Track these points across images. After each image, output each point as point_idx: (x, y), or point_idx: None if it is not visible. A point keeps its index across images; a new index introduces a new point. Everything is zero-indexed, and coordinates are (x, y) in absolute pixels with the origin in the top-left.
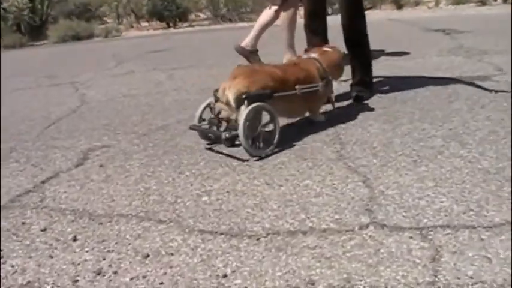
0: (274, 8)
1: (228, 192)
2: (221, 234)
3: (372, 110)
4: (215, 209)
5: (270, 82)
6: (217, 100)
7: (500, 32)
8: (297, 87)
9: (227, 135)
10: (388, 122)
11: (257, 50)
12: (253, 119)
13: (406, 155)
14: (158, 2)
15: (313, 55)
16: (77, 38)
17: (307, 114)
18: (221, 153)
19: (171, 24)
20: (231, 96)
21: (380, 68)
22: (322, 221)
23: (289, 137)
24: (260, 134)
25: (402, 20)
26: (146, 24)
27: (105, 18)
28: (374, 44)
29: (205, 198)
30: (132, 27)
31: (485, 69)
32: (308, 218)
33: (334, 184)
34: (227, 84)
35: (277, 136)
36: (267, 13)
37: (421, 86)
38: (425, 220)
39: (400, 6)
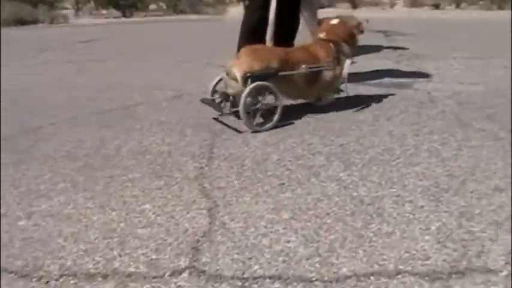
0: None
1: (51, 215)
2: (11, 272)
3: None
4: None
5: (274, 62)
6: (227, 75)
7: (442, 37)
8: (303, 66)
9: (227, 111)
10: (275, 134)
11: None
12: (255, 96)
13: (275, 176)
14: None
15: (323, 36)
16: (21, 22)
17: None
18: (227, 125)
19: (127, 13)
20: (236, 73)
21: None
22: (134, 261)
23: (154, 149)
24: (260, 110)
25: None
26: (105, 12)
27: (65, 4)
28: None
29: (22, 223)
30: (90, 14)
31: (411, 75)
32: (120, 255)
33: (174, 211)
34: (234, 62)
35: (278, 114)
36: None
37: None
38: (256, 267)
39: (355, 6)
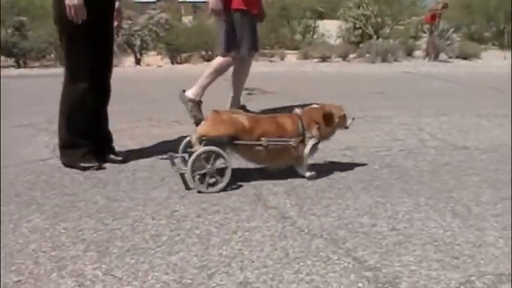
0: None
1: None
2: None
3: None
4: None
5: (232, 130)
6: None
7: (303, 96)
8: (262, 139)
9: (177, 169)
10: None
11: (201, 102)
12: (204, 159)
13: None
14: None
15: (298, 111)
16: None
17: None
18: (183, 180)
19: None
20: (194, 136)
21: None
22: None
23: None
24: (208, 174)
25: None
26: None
27: None
28: None
29: None
30: None
31: None
32: None
33: None
34: (199, 125)
35: (226, 179)
36: (216, 61)
37: None
38: None
39: None
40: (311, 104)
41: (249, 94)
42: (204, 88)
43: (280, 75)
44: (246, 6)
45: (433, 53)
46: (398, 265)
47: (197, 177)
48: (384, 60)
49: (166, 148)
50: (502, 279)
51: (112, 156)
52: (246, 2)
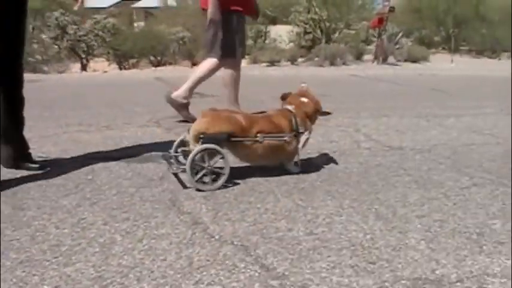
0: (211, 59)
1: None
2: None
3: None
4: None
5: (229, 127)
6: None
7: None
8: (258, 135)
9: (176, 168)
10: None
11: (188, 103)
12: (202, 157)
13: None
14: None
15: (289, 107)
16: None
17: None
18: (178, 179)
19: None
20: (191, 134)
21: None
22: None
23: None
24: (206, 171)
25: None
26: None
27: None
28: None
29: None
30: None
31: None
32: None
33: None
34: (194, 123)
35: (224, 177)
36: (207, 64)
37: None
38: None
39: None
40: (287, 94)
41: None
42: (191, 90)
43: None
44: (243, 7)
45: (381, 57)
46: (308, 272)
47: (197, 175)
48: (332, 64)
49: (88, 154)
50: (418, 283)
51: (28, 164)
52: (243, 2)
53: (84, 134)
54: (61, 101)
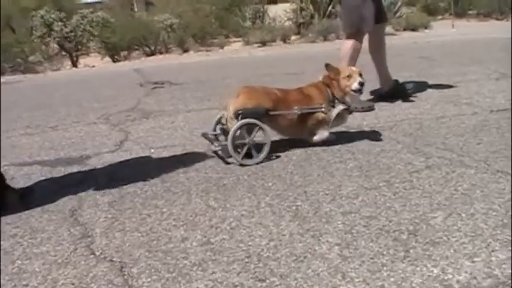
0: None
1: None
2: None
3: None
4: None
5: (266, 101)
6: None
7: (207, 83)
8: (295, 108)
9: (217, 145)
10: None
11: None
12: (244, 132)
13: None
14: None
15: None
16: None
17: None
18: (218, 155)
19: None
20: (230, 110)
21: None
22: None
23: None
24: (248, 146)
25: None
26: None
27: None
28: None
29: None
30: None
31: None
32: None
33: None
34: (231, 99)
35: (265, 150)
36: (346, 46)
37: None
38: None
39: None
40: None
41: (153, 88)
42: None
43: (203, 65)
44: None
45: None
46: None
47: (239, 151)
48: (325, 39)
49: (20, 159)
50: None
51: None
52: None
53: (26, 137)
54: (24, 102)
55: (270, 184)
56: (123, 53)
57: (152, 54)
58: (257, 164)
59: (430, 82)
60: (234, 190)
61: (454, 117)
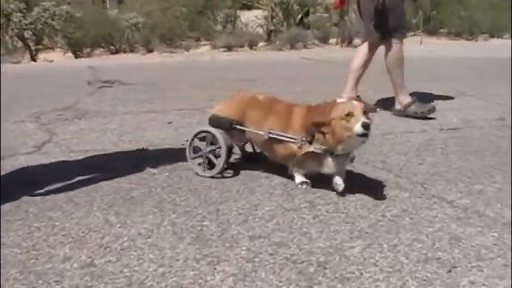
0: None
1: None
2: None
3: None
4: None
5: (236, 113)
6: None
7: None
8: (262, 129)
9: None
10: None
11: (359, 99)
12: (202, 141)
13: None
14: None
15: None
16: None
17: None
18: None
19: None
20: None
21: None
22: None
23: None
24: (206, 157)
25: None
26: None
27: None
28: None
29: None
30: None
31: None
32: None
33: None
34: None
35: (222, 164)
36: (360, 53)
37: None
38: None
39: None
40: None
41: (100, 87)
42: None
43: (162, 67)
44: None
45: (343, 38)
46: None
47: (195, 159)
48: (292, 47)
49: None
50: None
51: None
52: None
53: None
54: None
55: (182, 199)
56: (87, 50)
57: (117, 52)
58: (211, 177)
59: (385, 96)
60: (141, 204)
61: (400, 134)
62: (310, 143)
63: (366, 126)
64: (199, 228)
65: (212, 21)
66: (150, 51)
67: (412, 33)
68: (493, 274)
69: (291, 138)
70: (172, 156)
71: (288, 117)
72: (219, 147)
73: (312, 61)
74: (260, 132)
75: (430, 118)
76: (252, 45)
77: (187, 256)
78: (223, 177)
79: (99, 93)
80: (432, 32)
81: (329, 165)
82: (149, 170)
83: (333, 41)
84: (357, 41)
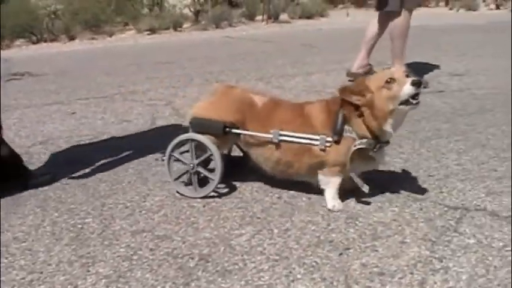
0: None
1: None
2: None
3: None
4: None
5: (228, 114)
6: None
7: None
8: (272, 131)
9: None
10: None
11: (371, 68)
12: (188, 151)
13: None
14: None
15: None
16: None
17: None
18: None
19: None
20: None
21: None
22: None
23: None
24: (195, 172)
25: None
26: None
27: None
28: None
29: None
30: None
31: None
32: None
33: None
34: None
35: (218, 177)
36: (374, 23)
37: None
38: None
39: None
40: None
41: (8, 80)
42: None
43: (80, 55)
44: None
45: (268, 15)
46: None
47: (176, 175)
48: (217, 26)
49: None
50: None
51: None
52: None
53: None
54: None
55: (68, 195)
56: (5, 42)
57: (38, 42)
58: (203, 197)
59: (301, 71)
60: (24, 205)
61: None
62: (337, 142)
63: (417, 83)
64: (80, 226)
65: (139, 4)
66: (72, 39)
67: (341, 5)
68: (387, 254)
69: (311, 139)
70: (67, 150)
71: (302, 116)
72: (211, 156)
73: (235, 39)
74: (267, 135)
75: None
76: (176, 26)
77: (61, 259)
78: (115, 169)
79: (5, 86)
80: (361, 4)
81: (377, 157)
82: (39, 166)
83: (259, 18)
84: (282, 16)
